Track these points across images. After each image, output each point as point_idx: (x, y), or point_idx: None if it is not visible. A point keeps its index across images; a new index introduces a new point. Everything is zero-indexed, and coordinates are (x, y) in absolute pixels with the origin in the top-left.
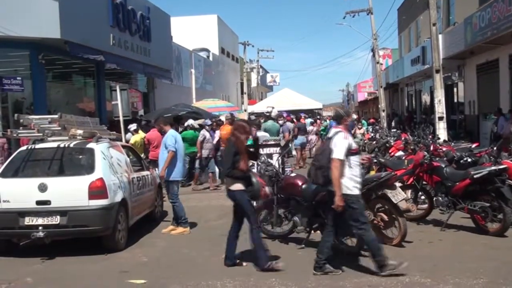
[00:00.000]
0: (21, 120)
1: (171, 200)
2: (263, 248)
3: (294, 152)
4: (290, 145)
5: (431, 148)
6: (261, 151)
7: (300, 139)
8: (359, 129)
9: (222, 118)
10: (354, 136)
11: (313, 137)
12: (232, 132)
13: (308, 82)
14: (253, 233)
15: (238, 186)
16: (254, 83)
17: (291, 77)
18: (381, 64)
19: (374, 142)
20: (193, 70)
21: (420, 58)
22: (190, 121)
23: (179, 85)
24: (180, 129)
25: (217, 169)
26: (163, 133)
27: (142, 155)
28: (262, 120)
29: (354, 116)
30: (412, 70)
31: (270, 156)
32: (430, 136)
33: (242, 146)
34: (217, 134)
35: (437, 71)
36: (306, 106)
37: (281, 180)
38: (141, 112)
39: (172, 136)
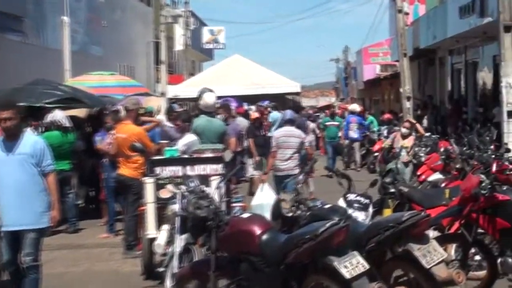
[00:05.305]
0: None
1: (36, 262)
2: None
3: (250, 173)
4: (244, 159)
5: (494, 167)
6: (190, 171)
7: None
8: (405, 137)
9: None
10: (392, 149)
11: (310, 138)
12: None
13: (276, 46)
14: None
15: None
16: (179, 45)
17: (245, 36)
18: (407, 14)
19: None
20: (66, 18)
21: (475, 6)
22: (57, 114)
23: (39, 46)
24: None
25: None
26: None
27: None
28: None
29: (357, 108)
30: (462, 26)
31: (205, 179)
32: (492, 146)
33: None
34: (109, 138)
35: (507, 29)
36: (272, 89)
37: (225, 225)
38: None
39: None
